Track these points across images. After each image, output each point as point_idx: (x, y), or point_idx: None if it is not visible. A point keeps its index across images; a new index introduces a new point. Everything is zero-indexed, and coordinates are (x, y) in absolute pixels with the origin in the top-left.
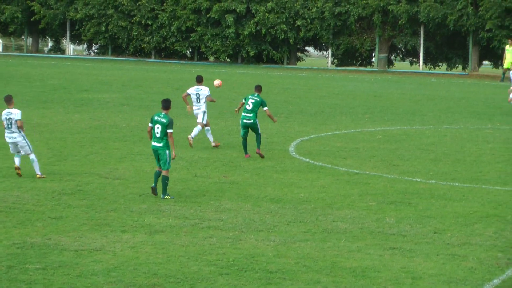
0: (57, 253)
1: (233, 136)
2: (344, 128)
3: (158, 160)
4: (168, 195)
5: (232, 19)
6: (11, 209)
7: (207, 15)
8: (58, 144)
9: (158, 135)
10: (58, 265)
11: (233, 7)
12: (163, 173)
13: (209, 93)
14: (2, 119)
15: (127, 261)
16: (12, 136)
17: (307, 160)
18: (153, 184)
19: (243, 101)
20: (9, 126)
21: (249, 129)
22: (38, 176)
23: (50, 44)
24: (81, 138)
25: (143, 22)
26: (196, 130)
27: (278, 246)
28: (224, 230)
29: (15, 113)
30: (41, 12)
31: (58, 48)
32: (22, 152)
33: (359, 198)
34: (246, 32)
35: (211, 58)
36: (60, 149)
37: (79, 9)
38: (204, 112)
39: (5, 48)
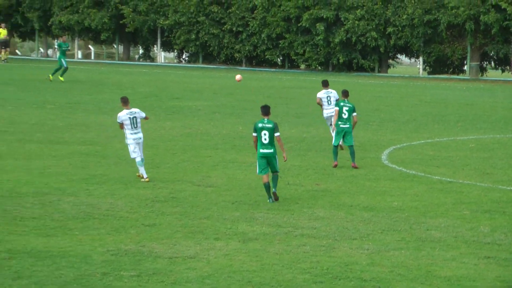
0: (151, 260)
1: (325, 143)
2: (436, 136)
3: (266, 167)
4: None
5: (322, 27)
6: (105, 216)
7: (298, 24)
8: (150, 152)
9: (266, 141)
10: (152, 272)
11: (322, 15)
12: (275, 174)
13: (337, 95)
14: (122, 120)
15: (221, 269)
16: (139, 136)
17: (400, 168)
18: (273, 189)
19: (337, 108)
20: (135, 125)
21: (344, 136)
22: (147, 179)
23: (140, 51)
24: (173, 145)
25: (234, 29)
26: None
27: (372, 255)
28: (318, 238)
29: (138, 111)
30: (130, 16)
31: (148, 56)
32: (140, 154)
33: (452, 207)
34: (336, 40)
35: (302, 66)
36: (152, 156)
37: (168, 15)
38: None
39: (97, 56)
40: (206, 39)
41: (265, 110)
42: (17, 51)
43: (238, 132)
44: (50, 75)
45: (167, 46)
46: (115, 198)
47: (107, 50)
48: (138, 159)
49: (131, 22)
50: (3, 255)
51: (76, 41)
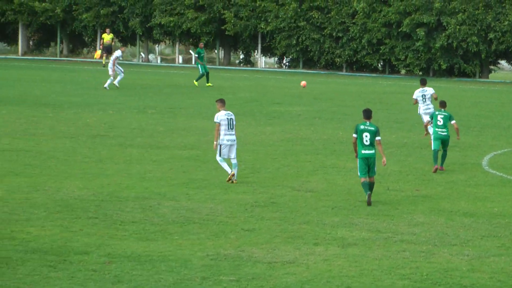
0: (251, 265)
1: (426, 149)
2: None
3: (368, 168)
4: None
5: (423, 33)
6: (204, 220)
7: (399, 29)
8: (251, 157)
9: (367, 143)
10: (252, 277)
11: (424, 20)
12: (372, 180)
13: (433, 91)
14: (220, 120)
15: (320, 274)
16: (232, 138)
17: (501, 174)
18: (369, 192)
19: (430, 119)
20: (231, 127)
21: (442, 143)
22: (235, 181)
23: (241, 56)
24: (273, 150)
25: (334, 34)
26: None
27: (472, 261)
28: (417, 244)
29: (232, 114)
30: (232, 21)
31: (248, 61)
32: (232, 156)
33: None
34: (437, 45)
35: (403, 71)
36: (253, 161)
37: (269, 21)
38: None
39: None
40: (306, 44)
41: (367, 114)
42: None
43: (338, 137)
44: (195, 81)
45: (267, 51)
46: (215, 203)
47: (208, 55)
48: (219, 159)
49: (232, 27)
50: (103, 259)
51: (176, 46)
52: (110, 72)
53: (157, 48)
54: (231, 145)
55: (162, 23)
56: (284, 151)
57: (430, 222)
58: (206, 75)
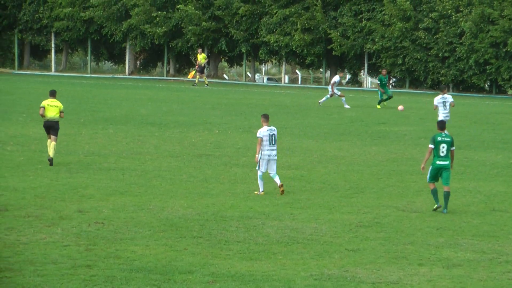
0: (354, 285)
1: None
2: None
3: (437, 177)
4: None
5: None
6: (308, 240)
7: (504, 49)
8: (355, 177)
9: (443, 154)
10: None
11: None
12: (447, 188)
13: (452, 100)
14: (262, 135)
15: None
16: (273, 153)
17: None
18: (437, 204)
19: (431, 146)
20: (273, 142)
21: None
22: (282, 190)
23: (348, 76)
24: (378, 170)
25: (440, 54)
26: None
27: None
28: None
29: (274, 129)
30: (338, 40)
31: (355, 81)
32: (271, 171)
33: None
34: None
35: (510, 91)
36: (357, 181)
37: (376, 40)
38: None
39: (304, 80)
40: (411, 63)
41: (442, 125)
42: (224, 75)
43: None
44: (378, 105)
45: (373, 71)
46: (319, 223)
47: (314, 75)
48: (260, 174)
49: (339, 47)
50: (207, 279)
51: (283, 66)
52: (334, 95)
53: (263, 68)
54: (271, 160)
55: (269, 41)
56: (389, 171)
57: None
58: (387, 98)
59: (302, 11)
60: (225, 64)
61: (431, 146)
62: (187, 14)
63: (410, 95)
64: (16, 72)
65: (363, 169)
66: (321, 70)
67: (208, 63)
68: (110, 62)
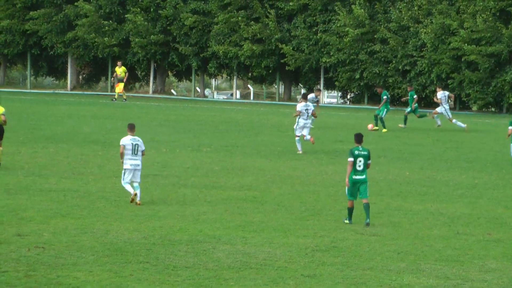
0: None
1: (498, 190)
2: None
3: (355, 193)
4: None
5: (487, 65)
6: (262, 265)
7: (466, 61)
8: (311, 198)
9: (360, 168)
10: None
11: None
12: (366, 201)
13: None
14: (125, 144)
15: None
16: (136, 163)
17: None
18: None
19: (351, 159)
20: (135, 152)
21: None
22: (139, 203)
23: (302, 91)
24: (335, 191)
25: (400, 68)
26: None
27: None
28: None
29: (141, 142)
30: (292, 54)
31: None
32: (137, 180)
33: None
34: (508, 79)
35: (474, 108)
36: (313, 202)
37: (331, 54)
38: None
39: (256, 96)
40: (369, 78)
41: (359, 138)
42: (172, 91)
43: (405, 177)
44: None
45: (329, 86)
46: (273, 247)
47: (267, 90)
48: (126, 182)
49: (293, 61)
50: None
51: (234, 80)
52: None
53: (213, 83)
54: (134, 170)
55: (217, 52)
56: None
57: (502, 268)
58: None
59: (252, 22)
60: (173, 78)
61: (351, 159)
62: (135, 26)
63: (369, 111)
64: None
65: (320, 190)
66: (274, 85)
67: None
68: (51, 76)
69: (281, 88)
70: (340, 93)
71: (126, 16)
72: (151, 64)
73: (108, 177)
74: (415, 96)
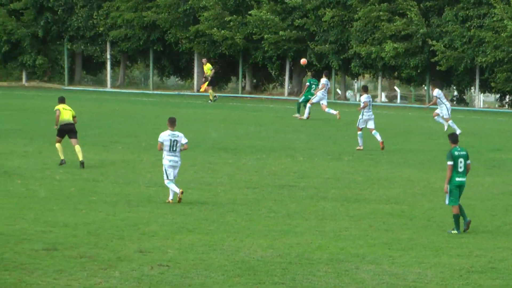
0: None
1: None
2: None
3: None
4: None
5: None
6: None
7: None
8: (467, 212)
9: (461, 170)
10: None
11: None
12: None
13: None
14: (163, 140)
15: None
16: (175, 160)
17: None
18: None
19: (450, 163)
20: (174, 148)
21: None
22: (181, 196)
23: (455, 93)
24: (493, 205)
25: None
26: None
27: None
28: None
29: (182, 136)
30: (443, 52)
31: (461, 99)
32: (175, 176)
33: None
34: None
35: None
36: (471, 217)
37: (487, 52)
38: None
39: (404, 98)
40: None
41: (454, 138)
42: None
43: None
44: None
45: (485, 88)
46: (424, 267)
47: (415, 92)
48: (167, 181)
49: (444, 61)
50: None
51: (379, 81)
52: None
53: (355, 84)
54: (173, 166)
55: (361, 52)
56: (505, 206)
57: None
58: None
59: (397, 17)
60: None
61: (450, 162)
62: (261, 20)
63: None
64: (66, 88)
65: (475, 204)
66: (424, 86)
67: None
68: (175, 76)
69: (431, 90)
70: (497, 96)
71: (250, 12)
72: (286, 63)
73: (239, 187)
74: None
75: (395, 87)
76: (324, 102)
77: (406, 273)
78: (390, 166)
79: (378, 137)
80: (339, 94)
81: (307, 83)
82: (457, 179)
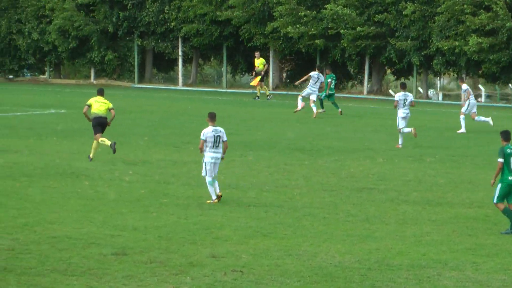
0: None
1: None
2: None
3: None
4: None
5: None
6: None
7: None
8: None
9: None
10: None
11: None
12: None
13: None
14: (206, 136)
15: None
16: (217, 156)
17: None
18: None
19: (501, 160)
20: (217, 144)
21: None
22: (220, 194)
23: None
24: None
25: None
26: None
27: None
28: None
29: (223, 132)
30: None
31: None
32: (215, 173)
33: None
34: None
35: None
36: None
37: None
38: None
39: (489, 97)
40: None
41: (507, 135)
42: (390, 91)
43: None
44: None
45: None
46: (509, 274)
47: (500, 91)
48: (209, 179)
49: None
50: None
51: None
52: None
53: (438, 83)
54: (214, 163)
55: (443, 48)
56: None
57: None
58: None
59: (482, 10)
60: (391, 77)
61: (501, 160)
62: (337, 15)
63: None
64: (136, 86)
65: None
66: (510, 85)
67: (267, 70)
68: (249, 74)
69: None
70: None
71: (326, 6)
72: (365, 60)
73: (315, 190)
74: None
75: (479, 86)
76: (313, 98)
77: (491, 280)
78: (474, 168)
79: (401, 140)
80: (420, 93)
81: (328, 80)
82: (510, 178)
